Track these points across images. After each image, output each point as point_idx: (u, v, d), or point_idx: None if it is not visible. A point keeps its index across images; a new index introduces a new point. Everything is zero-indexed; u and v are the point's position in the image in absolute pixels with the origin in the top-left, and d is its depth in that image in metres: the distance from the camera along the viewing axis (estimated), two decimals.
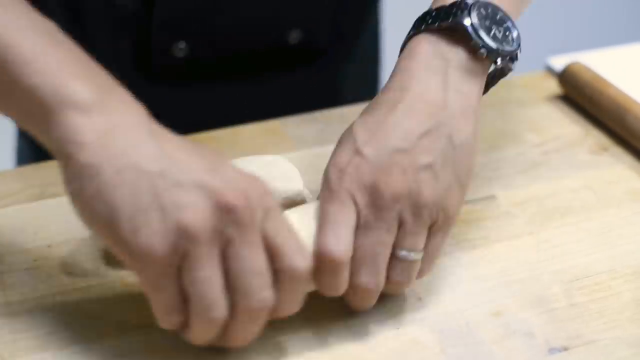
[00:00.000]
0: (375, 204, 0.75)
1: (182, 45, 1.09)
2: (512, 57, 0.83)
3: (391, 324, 0.79)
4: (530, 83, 1.14)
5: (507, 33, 0.83)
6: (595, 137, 1.05)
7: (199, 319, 0.70)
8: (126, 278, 0.83)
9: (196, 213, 0.67)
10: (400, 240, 0.76)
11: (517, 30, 0.84)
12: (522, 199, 0.94)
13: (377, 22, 1.29)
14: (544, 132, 1.05)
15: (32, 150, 1.25)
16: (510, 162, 1.00)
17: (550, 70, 1.16)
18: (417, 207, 0.76)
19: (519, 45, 0.83)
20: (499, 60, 0.82)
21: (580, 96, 1.09)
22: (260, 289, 0.70)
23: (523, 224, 0.91)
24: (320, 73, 1.20)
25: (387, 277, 0.77)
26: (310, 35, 1.15)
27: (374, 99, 0.82)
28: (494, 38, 0.81)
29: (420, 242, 0.77)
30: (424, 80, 0.80)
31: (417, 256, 0.77)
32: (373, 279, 0.75)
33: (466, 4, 0.81)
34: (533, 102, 1.11)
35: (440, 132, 0.78)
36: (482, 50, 0.81)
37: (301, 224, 0.75)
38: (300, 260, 0.71)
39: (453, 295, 0.82)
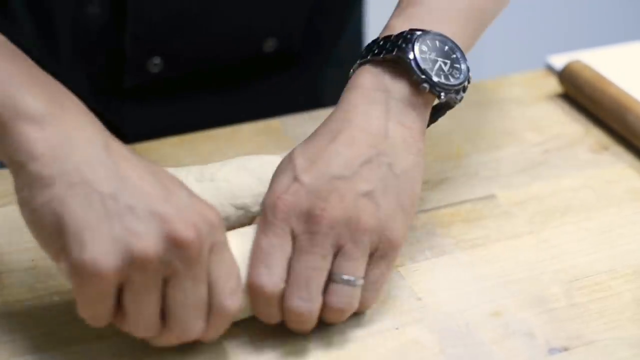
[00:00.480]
0: (311, 230, 0.75)
1: (157, 60, 1.08)
2: (458, 90, 0.82)
3: (390, 324, 0.79)
4: (530, 82, 1.14)
5: (455, 65, 0.82)
6: (596, 135, 1.04)
7: (131, 329, 0.71)
8: None
9: (147, 242, 0.67)
10: (338, 265, 0.75)
11: (466, 63, 0.83)
12: (522, 199, 0.94)
13: (360, 23, 1.28)
14: (544, 131, 1.05)
15: None
16: (510, 161, 1.00)
17: (550, 68, 1.16)
18: (356, 233, 0.75)
19: (467, 78, 0.82)
20: (442, 94, 0.81)
21: (581, 95, 1.09)
22: (195, 320, 0.71)
23: (523, 223, 0.91)
24: (300, 78, 1.19)
25: (326, 303, 0.76)
26: (285, 42, 1.14)
27: (315, 130, 0.81)
28: (439, 71, 0.81)
29: (360, 268, 0.76)
30: (366, 112, 0.80)
31: (356, 282, 0.76)
32: (305, 303, 0.74)
33: (411, 36, 0.81)
34: (533, 101, 1.10)
35: (381, 161, 0.78)
36: (424, 85, 0.80)
37: (240, 249, 0.76)
38: (232, 302, 0.72)
39: (452, 295, 0.82)
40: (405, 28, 0.82)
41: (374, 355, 0.76)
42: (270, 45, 1.13)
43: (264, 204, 0.77)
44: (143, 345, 0.75)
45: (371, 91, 0.80)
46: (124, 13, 1.05)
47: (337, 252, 0.75)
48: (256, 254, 0.75)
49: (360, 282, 0.76)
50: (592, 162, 1.00)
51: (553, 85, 1.13)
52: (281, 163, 0.80)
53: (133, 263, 0.67)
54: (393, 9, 0.87)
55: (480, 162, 0.99)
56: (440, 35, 0.82)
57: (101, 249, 0.67)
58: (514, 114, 1.08)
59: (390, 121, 0.80)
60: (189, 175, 0.82)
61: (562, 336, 0.78)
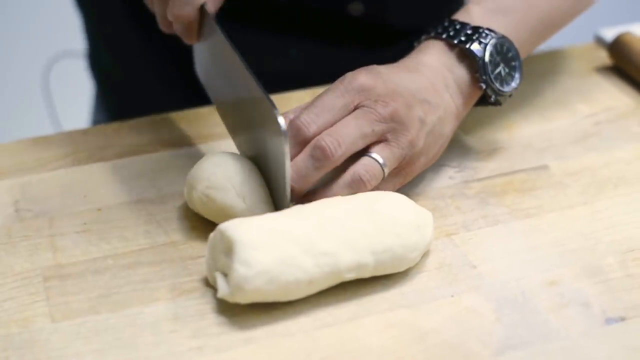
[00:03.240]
0: (372, 109, 0.82)
1: None
2: (505, 97, 0.90)
3: (446, 291, 0.78)
4: (580, 54, 1.13)
5: (511, 73, 0.90)
6: None
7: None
8: (178, 243, 0.82)
9: None
10: (375, 148, 0.82)
11: (521, 72, 0.91)
12: (575, 170, 0.93)
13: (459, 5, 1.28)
14: (595, 103, 1.04)
15: (108, 113, 1.26)
16: (562, 132, 0.99)
17: (600, 41, 1.14)
18: (402, 139, 0.83)
19: (516, 88, 0.90)
20: (492, 97, 0.89)
21: (631, 67, 1.08)
22: None
23: (576, 194, 0.90)
24: (386, 51, 1.18)
25: (352, 170, 0.81)
26: (372, 8, 1.14)
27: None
28: (498, 75, 0.89)
29: (391, 162, 0.83)
30: (432, 70, 0.88)
31: (385, 166, 0.82)
32: (333, 144, 0.79)
33: (486, 34, 0.88)
34: (584, 73, 1.09)
35: (437, 107, 0.86)
36: (482, 84, 0.88)
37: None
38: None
39: (507, 264, 0.81)
40: (483, 22, 0.90)
41: (430, 322, 0.75)
42: (356, 8, 1.13)
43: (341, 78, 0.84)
44: (197, 310, 0.75)
45: (439, 62, 0.88)
46: None
47: (376, 142, 0.82)
48: (314, 102, 0.83)
49: (387, 170, 0.82)
50: None
51: (603, 57, 1.12)
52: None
53: None
54: None
55: (532, 133, 0.98)
56: (509, 41, 0.89)
57: None
58: (565, 86, 1.07)
59: (447, 92, 0.87)
60: None
61: (619, 306, 0.77)
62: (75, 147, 0.95)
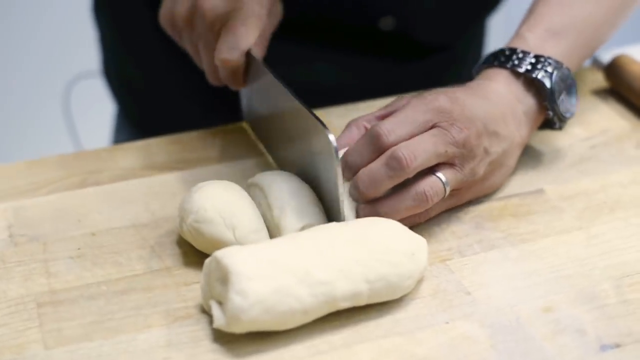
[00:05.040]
0: (447, 131, 0.84)
1: None
2: (566, 121, 0.94)
3: (440, 318, 0.78)
4: (576, 76, 1.12)
5: (570, 100, 0.94)
6: None
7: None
8: (172, 269, 0.82)
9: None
10: (441, 168, 0.84)
11: (577, 97, 0.94)
12: (570, 194, 0.93)
13: (484, 24, 1.30)
14: (591, 126, 1.04)
15: (130, 129, 1.26)
16: (558, 156, 0.99)
17: (596, 63, 1.14)
18: (468, 165, 0.85)
19: (574, 113, 0.94)
20: (557, 124, 0.94)
21: (627, 89, 1.08)
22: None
23: (572, 218, 0.90)
24: (414, 64, 1.20)
25: (415, 188, 0.83)
26: (403, 23, 1.15)
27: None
28: (561, 102, 0.92)
29: (453, 183, 0.85)
30: (499, 97, 0.90)
31: (447, 186, 0.84)
32: (407, 153, 0.81)
33: (549, 63, 0.91)
34: (580, 96, 1.09)
35: (502, 139, 0.89)
36: (550, 112, 0.92)
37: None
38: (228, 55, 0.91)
39: (502, 290, 0.81)
40: (539, 48, 0.93)
41: (424, 349, 0.75)
42: (386, 23, 1.14)
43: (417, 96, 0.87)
44: (191, 337, 0.75)
45: (506, 91, 0.91)
46: None
47: (443, 163, 0.85)
48: (396, 114, 0.85)
49: (448, 190, 0.85)
50: None
51: (599, 80, 1.12)
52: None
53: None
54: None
55: (528, 156, 0.97)
56: (568, 69, 0.93)
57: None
58: None
59: (514, 124, 0.90)
60: None
61: (614, 333, 0.77)
62: (69, 171, 0.95)
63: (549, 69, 0.91)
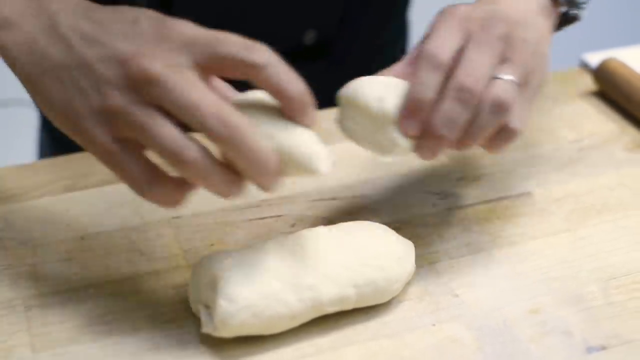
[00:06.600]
0: (487, 29, 0.80)
1: None
2: (580, 7, 0.90)
3: (427, 320, 0.78)
4: (565, 79, 1.13)
5: None
6: (631, 134, 1.03)
7: (180, 169, 0.71)
8: (161, 272, 0.82)
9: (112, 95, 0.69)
10: (501, 68, 0.79)
11: None
12: (558, 196, 0.93)
13: (404, 16, 1.29)
14: (580, 129, 1.04)
15: (52, 143, 1.25)
16: (546, 158, 0.99)
17: (585, 66, 1.15)
18: (515, 55, 0.81)
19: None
20: (570, 10, 0.89)
21: (616, 92, 1.08)
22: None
23: (559, 221, 0.90)
24: (338, 68, 1.19)
25: (492, 95, 0.78)
26: (324, 33, 1.15)
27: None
28: None
29: (517, 75, 0.80)
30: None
31: (515, 83, 0.79)
32: (474, 83, 0.77)
33: None
34: (568, 99, 1.10)
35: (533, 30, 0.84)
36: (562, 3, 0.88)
37: None
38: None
39: (490, 292, 0.81)
40: None
41: (411, 351, 0.75)
42: (310, 37, 1.14)
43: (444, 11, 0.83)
44: (178, 340, 0.75)
45: None
46: (169, 6, 1.05)
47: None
48: (431, 35, 0.80)
49: (517, 83, 0.79)
50: (628, 161, 0.99)
51: (588, 82, 1.12)
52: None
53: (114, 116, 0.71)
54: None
55: (516, 160, 0.98)
56: None
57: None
58: (550, 111, 1.07)
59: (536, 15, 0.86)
60: None
61: (600, 335, 0.78)
62: (58, 175, 0.95)
63: None
